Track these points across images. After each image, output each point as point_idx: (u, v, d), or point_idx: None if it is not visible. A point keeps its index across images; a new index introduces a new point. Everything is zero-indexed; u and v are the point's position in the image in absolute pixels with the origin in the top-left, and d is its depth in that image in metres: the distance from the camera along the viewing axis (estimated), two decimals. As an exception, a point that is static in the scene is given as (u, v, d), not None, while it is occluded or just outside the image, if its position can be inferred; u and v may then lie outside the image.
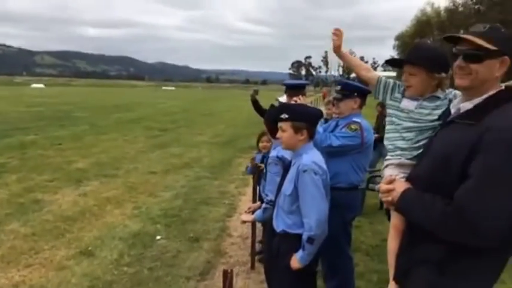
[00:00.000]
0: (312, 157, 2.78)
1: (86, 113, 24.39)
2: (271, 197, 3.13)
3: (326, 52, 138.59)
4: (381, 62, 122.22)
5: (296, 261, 2.71)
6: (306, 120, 2.81)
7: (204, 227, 6.12)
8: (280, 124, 2.83)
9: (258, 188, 4.95)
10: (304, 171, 2.68)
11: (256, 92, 7.65)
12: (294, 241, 2.76)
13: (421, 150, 2.03)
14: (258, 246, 5.11)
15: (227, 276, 2.17)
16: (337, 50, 2.45)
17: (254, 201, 5.66)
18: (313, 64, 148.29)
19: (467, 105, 1.79)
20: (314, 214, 2.65)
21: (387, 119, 2.23)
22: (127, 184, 8.53)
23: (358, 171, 3.64)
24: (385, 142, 2.20)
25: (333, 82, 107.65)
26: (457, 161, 1.66)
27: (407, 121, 2.09)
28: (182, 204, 7.21)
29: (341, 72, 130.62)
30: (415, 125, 2.06)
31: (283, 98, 7.04)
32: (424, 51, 2.08)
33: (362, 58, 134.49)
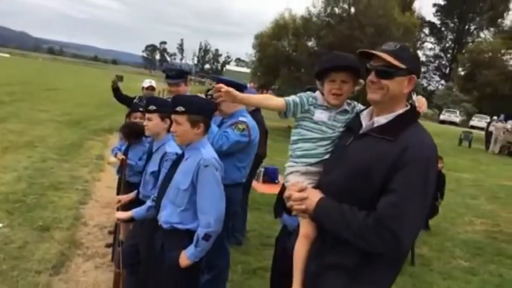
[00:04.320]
0: (211, 152, 2.71)
1: None
2: None
3: (182, 40, 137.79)
4: (234, 57, 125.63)
5: (185, 258, 2.58)
6: (203, 113, 2.70)
7: (54, 215, 5.52)
8: (175, 117, 2.67)
9: (123, 176, 4.65)
10: (206, 166, 2.59)
11: (119, 78, 7.10)
12: (182, 237, 2.65)
13: (326, 157, 2.06)
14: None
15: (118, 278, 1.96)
16: (235, 100, 2.22)
17: (118, 192, 5.27)
18: (168, 50, 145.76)
19: (381, 120, 1.89)
20: (214, 211, 2.58)
21: (294, 130, 2.18)
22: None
23: (241, 169, 3.71)
24: (293, 152, 2.15)
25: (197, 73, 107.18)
26: (377, 174, 1.75)
27: (319, 132, 2.09)
28: (26, 189, 6.39)
29: (195, 62, 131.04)
30: (329, 135, 2.08)
31: (149, 83, 6.71)
32: (351, 59, 2.07)
33: (217, 50, 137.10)
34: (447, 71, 68.52)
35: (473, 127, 34.14)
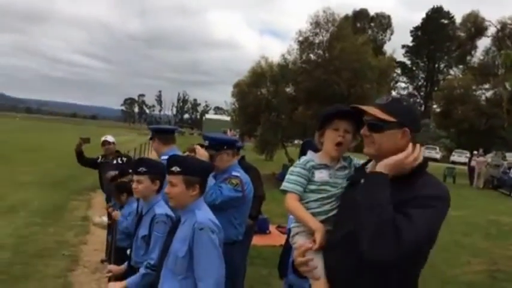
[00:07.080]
0: (207, 214, 2.62)
1: None
2: (155, 261, 2.82)
3: (160, 92, 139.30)
4: (212, 105, 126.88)
5: None
6: (199, 174, 2.64)
7: (42, 285, 5.27)
8: (169, 178, 2.60)
9: (112, 239, 4.50)
10: (201, 229, 2.48)
11: (85, 140, 6.68)
12: None
13: (332, 214, 2.02)
14: None
15: None
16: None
17: (108, 256, 5.08)
18: (146, 102, 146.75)
19: None
20: (211, 277, 2.45)
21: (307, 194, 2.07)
22: None
23: (237, 226, 3.63)
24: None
25: (167, 122, 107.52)
26: None
27: (323, 192, 2.05)
28: (11, 258, 6.13)
29: (174, 112, 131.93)
30: (332, 193, 2.05)
31: (110, 138, 6.51)
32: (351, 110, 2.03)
33: (195, 100, 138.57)
34: (422, 108, 70.40)
35: (454, 162, 34.58)
